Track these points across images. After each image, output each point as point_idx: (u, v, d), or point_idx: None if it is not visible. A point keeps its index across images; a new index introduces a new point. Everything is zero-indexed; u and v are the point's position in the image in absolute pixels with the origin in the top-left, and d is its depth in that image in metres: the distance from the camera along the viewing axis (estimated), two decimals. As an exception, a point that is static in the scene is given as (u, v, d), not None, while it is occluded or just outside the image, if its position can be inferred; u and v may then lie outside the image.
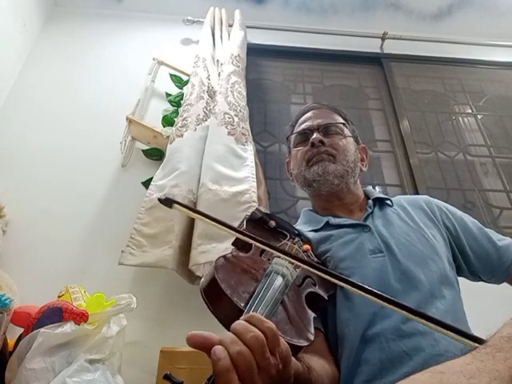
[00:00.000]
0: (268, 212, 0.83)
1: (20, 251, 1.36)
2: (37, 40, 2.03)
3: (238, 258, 0.63)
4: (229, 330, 0.43)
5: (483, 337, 0.39)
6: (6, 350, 0.97)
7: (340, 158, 0.90)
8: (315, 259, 0.78)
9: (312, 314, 0.61)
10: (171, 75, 1.92)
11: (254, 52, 2.12)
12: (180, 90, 1.86)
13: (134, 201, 1.40)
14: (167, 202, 0.60)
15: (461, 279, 0.83)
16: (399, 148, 1.93)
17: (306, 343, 0.53)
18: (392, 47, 2.31)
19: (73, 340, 0.93)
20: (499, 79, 2.32)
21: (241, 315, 0.47)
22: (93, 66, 1.97)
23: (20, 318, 1.08)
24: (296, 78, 2.22)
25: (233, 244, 0.71)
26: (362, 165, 0.99)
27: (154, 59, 1.94)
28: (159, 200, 0.61)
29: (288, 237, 0.79)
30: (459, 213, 0.92)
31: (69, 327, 0.92)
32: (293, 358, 0.47)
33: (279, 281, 0.57)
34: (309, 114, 0.99)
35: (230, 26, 2.05)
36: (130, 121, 1.62)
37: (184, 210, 0.62)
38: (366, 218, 0.86)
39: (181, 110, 1.61)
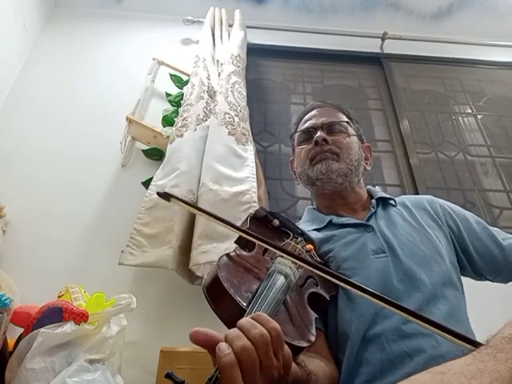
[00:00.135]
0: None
1: (20, 251, 1.36)
2: (37, 40, 2.03)
3: (241, 257, 0.62)
4: (230, 329, 0.42)
5: (484, 337, 0.39)
6: (6, 349, 0.97)
7: (344, 157, 0.90)
8: (318, 259, 0.78)
9: (314, 315, 0.61)
10: (171, 75, 1.92)
11: (254, 52, 2.12)
12: (180, 90, 1.86)
13: (134, 201, 1.40)
14: (165, 196, 0.61)
15: (463, 279, 0.83)
16: (399, 148, 1.93)
17: (307, 344, 0.53)
18: (392, 47, 2.31)
19: (73, 340, 0.93)
20: (499, 79, 2.32)
21: (243, 314, 0.47)
22: (93, 66, 1.97)
23: (20, 317, 1.07)
24: (296, 77, 2.22)
25: (236, 242, 0.71)
26: (366, 164, 0.98)
27: (154, 59, 1.94)
28: (158, 194, 0.61)
29: (291, 236, 0.78)
30: (463, 212, 0.91)
31: (69, 327, 0.92)
32: (292, 364, 0.47)
33: (282, 281, 0.57)
34: (313, 113, 0.99)
35: (230, 26, 2.05)
36: (130, 121, 1.62)
37: (181, 204, 0.62)
38: (369, 218, 0.86)
39: (181, 109, 1.61)
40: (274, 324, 0.43)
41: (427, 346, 0.63)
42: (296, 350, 0.50)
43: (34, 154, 1.62)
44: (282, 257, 0.62)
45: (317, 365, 0.63)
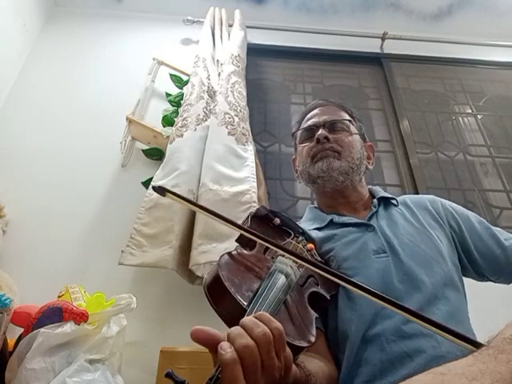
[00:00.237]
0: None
1: (20, 251, 1.36)
2: (37, 40, 2.03)
3: (242, 256, 0.62)
4: (230, 328, 0.42)
5: (485, 338, 0.39)
6: (6, 349, 0.97)
7: (345, 155, 0.90)
8: (319, 258, 0.78)
9: (314, 314, 0.61)
10: (171, 75, 1.92)
11: (254, 52, 2.12)
12: (180, 90, 1.86)
13: (134, 201, 1.40)
14: (160, 190, 0.61)
15: (464, 280, 0.82)
16: (399, 148, 1.93)
17: (307, 344, 0.53)
18: (392, 47, 2.31)
19: (73, 340, 0.93)
20: (499, 79, 2.32)
21: (244, 314, 0.47)
22: (93, 66, 1.97)
23: (20, 317, 1.07)
24: (296, 77, 2.22)
25: (237, 241, 0.71)
26: (369, 163, 0.98)
27: (154, 59, 1.94)
28: (153, 188, 0.62)
29: (292, 235, 0.78)
30: (465, 212, 0.91)
31: (69, 327, 0.92)
32: (292, 365, 0.47)
33: (282, 280, 0.56)
34: (315, 111, 0.99)
35: (230, 26, 2.05)
36: (130, 121, 1.62)
37: (177, 199, 0.62)
38: (370, 218, 0.86)
39: (181, 109, 1.61)
40: (277, 324, 0.43)
41: (427, 347, 0.63)
42: (296, 350, 0.50)
43: (34, 154, 1.62)
44: (283, 256, 0.62)
45: (316, 365, 0.63)
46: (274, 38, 2.22)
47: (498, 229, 0.88)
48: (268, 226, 0.78)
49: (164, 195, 0.61)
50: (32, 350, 0.89)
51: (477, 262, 0.84)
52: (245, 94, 1.68)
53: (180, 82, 1.90)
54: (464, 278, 0.82)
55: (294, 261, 0.61)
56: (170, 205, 1.26)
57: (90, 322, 0.96)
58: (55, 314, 0.95)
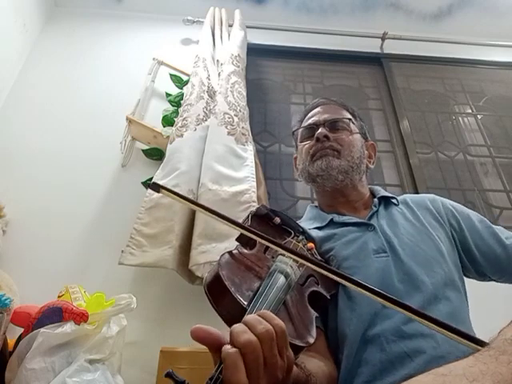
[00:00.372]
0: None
1: (20, 251, 1.36)
2: (37, 40, 2.03)
3: (242, 255, 0.62)
4: (230, 327, 0.42)
5: (486, 338, 0.39)
6: (6, 349, 0.97)
7: (345, 154, 0.90)
8: (319, 258, 0.78)
9: (314, 314, 0.61)
10: (171, 75, 1.92)
11: (254, 52, 2.12)
12: (180, 90, 1.86)
13: (134, 201, 1.40)
14: (155, 187, 0.61)
15: (465, 279, 0.82)
16: (399, 148, 1.93)
17: (307, 344, 0.53)
18: (392, 47, 2.31)
19: (73, 340, 0.93)
20: (499, 79, 2.32)
21: (244, 313, 0.47)
22: (93, 66, 1.97)
23: (20, 317, 1.07)
24: (296, 77, 2.22)
25: (237, 240, 0.71)
26: (369, 162, 0.98)
27: (154, 59, 1.94)
28: (148, 185, 0.62)
29: (293, 234, 0.78)
30: (466, 211, 0.91)
31: (69, 327, 0.92)
32: (294, 367, 0.47)
33: (283, 279, 0.56)
34: (317, 110, 0.99)
35: (230, 26, 2.05)
36: (130, 121, 1.62)
37: (172, 195, 0.62)
38: (370, 217, 0.86)
39: (181, 109, 1.61)
40: (279, 321, 0.43)
41: (427, 347, 0.63)
42: (296, 350, 0.49)
43: (34, 154, 1.62)
44: (284, 255, 0.62)
45: (316, 364, 0.63)
46: (274, 37, 2.22)
47: (499, 227, 0.88)
48: (268, 225, 0.78)
49: (158, 191, 0.62)
50: (32, 349, 0.89)
51: (477, 261, 0.83)
52: (245, 93, 1.68)
53: (180, 82, 1.90)
54: (465, 278, 0.82)
55: (294, 260, 0.61)
56: (170, 205, 1.26)
57: (90, 321, 0.96)
58: (55, 314, 0.95)
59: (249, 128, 1.57)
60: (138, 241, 1.23)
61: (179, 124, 1.51)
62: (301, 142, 0.98)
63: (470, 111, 2.18)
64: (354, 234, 0.81)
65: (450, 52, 2.32)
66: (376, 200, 0.91)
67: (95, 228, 1.46)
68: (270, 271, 0.58)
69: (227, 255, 0.60)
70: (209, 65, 1.77)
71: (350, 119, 0.96)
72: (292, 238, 0.76)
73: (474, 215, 0.89)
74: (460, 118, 2.14)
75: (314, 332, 0.56)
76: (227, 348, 0.39)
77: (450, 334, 0.43)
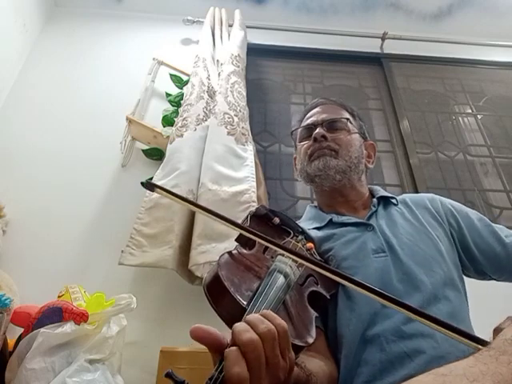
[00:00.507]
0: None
1: (20, 251, 1.36)
2: (37, 40, 2.03)
3: (241, 255, 0.62)
4: (230, 328, 0.42)
5: (486, 338, 0.39)
6: (6, 349, 0.97)
7: (342, 154, 0.90)
8: (318, 258, 0.78)
9: (314, 314, 0.61)
10: (171, 75, 1.92)
11: (254, 52, 2.12)
12: (180, 90, 1.86)
13: (134, 201, 1.40)
14: (149, 185, 0.61)
15: (465, 278, 0.82)
16: (399, 148, 1.93)
17: (306, 344, 0.53)
18: (392, 47, 2.31)
19: (73, 340, 0.93)
20: (499, 79, 2.32)
21: (243, 313, 0.47)
22: (93, 66, 1.97)
23: (20, 317, 1.07)
24: (296, 77, 2.22)
25: (236, 240, 0.71)
26: (368, 161, 0.98)
27: (154, 59, 1.94)
28: (141, 184, 0.61)
29: (292, 234, 0.78)
30: (465, 209, 0.91)
31: (69, 327, 0.92)
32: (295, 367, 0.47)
33: (282, 280, 0.56)
34: (315, 110, 0.99)
35: (230, 26, 2.05)
36: (130, 121, 1.62)
37: (167, 194, 0.62)
38: (369, 217, 0.86)
39: (181, 109, 1.61)
40: (282, 321, 0.43)
41: (427, 347, 0.63)
42: (296, 350, 0.49)
43: (34, 154, 1.62)
44: (283, 255, 0.62)
45: (316, 364, 0.63)
46: (274, 37, 2.22)
47: (499, 226, 0.88)
48: (267, 226, 0.78)
49: (153, 190, 0.62)
50: (32, 349, 0.89)
51: (477, 259, 0.83)
52: (244, 93, 1.68)
53: (180, 82, 1.90)
54: (465, 278, 0.82)
55: (293, 260, 0.61)
56: (170, 205, 1.26)
57: (90, 321, 0.96)
58: (55, 314, 0.95)
59: (249, 128, 1.57)
60: (138, 241, 1.23)
61: (179, 124, 1.52)
62: (299, 142, 0.99)
63: (470, 111, 2.18)
64: (353, 234, 0.81)
65: (450, 52, 2.32)
66: (375, 200, 0.91)
67: (95, 228, 1.46)
68: (270, 271, 0.58)
69: (226, 255, 0.60)
70: (209, 65, 1.77)
71: (348, 119, 0.96)
72: (291, 238, 0.76)
73: (473, 214, 0.89)
74: (460, 118, 2.14)
75: (313, 332, 0.56)
76: (229, 348, 0.39)
77: (450, 332, 0.43)
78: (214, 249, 1.17)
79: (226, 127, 1.48)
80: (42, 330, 0.91)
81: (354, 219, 0.86)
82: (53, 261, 1.35)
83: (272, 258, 0.64)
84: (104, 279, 1.30)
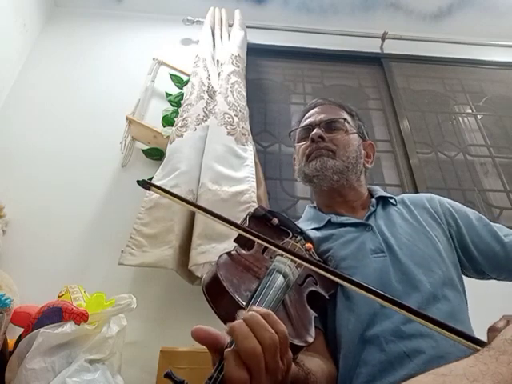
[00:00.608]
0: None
1: (20, 251, 1.36)
2: (37, 40, 2.03)
3: (240, 256, 0.62)
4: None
5: (486, 337, 0.39)
6: (6, 349, 0.97)
7: (340, 154, 0.90)
8: (317, 258, 0.78)
9: (313, 314, 0.61)
10: (171, 75, 1.92)
11: (254, 52, 2.12)
12: (180, 90, 1.86)
13: (134, 201, 1.40)
14: (144, 184, 0.61)
15: (464, 277, 0.82)
16: (399, 148, 1.93)
17: (306, 344, 0.53)
18: (392, 47, 2.31)
19: (73, 340, 0.93)
20: (499, 79, 2.32)
21: None
22: (93, 66, 1.97)
23: (20, 317, 1.07)
24: (296, 77, 2.22)
25: (235, 241, 0.71)
26: (367, 161, 0.98)
27: (154, 59, 1.94)
28: (137, 182, 0.61)
29: (291, 235, 0.78)
30: (464, 209, 0.91)
31: (69, 327, 0.92)
32: (292, 365, 0.47)
33: (281, 280, 0.56)
34: (314, 110, 0.99)
35: (230, 26, 2.05)
36: (130, 121, 1.62)
37: (163, 193, 0.62)
38: (368, 217, 0.86)
39: (181, 109, 1.61)
40: (282, 327, 0.43)
41: (426, 347, 0.63)
42: (295, 349, 0.50)
43: (34, 154, 1.62)
44: (282, 255, 0.62)
45: (315, 364, 0.63)
46: (274, 37, 2.22)
47: (498, 225, 0.87)
48: (266, 226, 0.78)
49: (148, 189, 0.62)
50: (32, 349, 0.89)
51: (475, 258, 0.83)
52: (244, 93, 1.68)
53: (180, 82, 1.90)
54: (464, 277, 0.82)
55: (292, 260, 0.61)
56: (170, 205, 1.26)
57: (90, 321, 0.96)
58: (55, 314, 0.95)
59: (249, 128, 1.57)
60: (138, 241, 1.23)
61: (179, 124, 1.52)
62: (298, 142, 0.99)
63: (470, 111, 2.18)
64: (352, 235, 0.82)
65: (450, 52, 2.32)
66: (374, 200, 0.91)
67: (95, 228, 1.46)
68: (268, 271, 0.58)
69: (225, 256, 0.60)
70: (209, 65, 1.77)
71: (345, 119, 0.96)
72: (290, 239, 0.76)
73: (471, 213, 0.89)
74: (460, 118, 2.14)
75: (312, 332, 0.57)
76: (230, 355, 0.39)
77: (448, 333, 0.43)
78: (213, 249, 1.17)
79: (226, 127, 1.48)
80: (41, 330, 0.91)
81: (352, 219, 0.86)
82: (53, 261, 1.35)
83: (271, 258, 0.64)
84: (104, 279, 1.31)
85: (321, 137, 0.90)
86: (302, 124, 0.99)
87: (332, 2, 2.30)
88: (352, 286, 0.51)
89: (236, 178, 1.36)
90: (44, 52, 2.00)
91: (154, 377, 1.02)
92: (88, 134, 1.70)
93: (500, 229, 0.86)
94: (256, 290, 0.53)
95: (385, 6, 2.33)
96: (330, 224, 0.87)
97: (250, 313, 0.42)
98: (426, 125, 2.05)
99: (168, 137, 1.53)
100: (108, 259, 1.30)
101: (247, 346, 0.39)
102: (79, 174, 1.58)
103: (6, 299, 0.93)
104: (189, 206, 0.63)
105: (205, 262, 1.17)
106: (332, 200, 0.92)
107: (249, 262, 0.62)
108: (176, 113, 1.71)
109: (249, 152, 1.47)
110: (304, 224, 0.91)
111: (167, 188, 1.30)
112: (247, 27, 2.08)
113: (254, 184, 1.36)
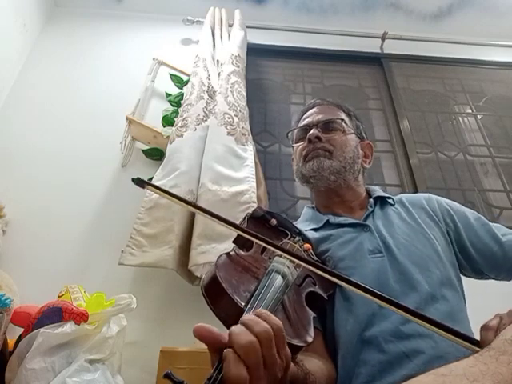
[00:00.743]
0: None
1: (20, 251, 1.36)
2: (37, 40, 2.03)
3: (239, 256, 0.62)
4: (228, 329, 0.42)
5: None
6: (6, 349, 0.97)
7: (337, 154, 0.90)
8: (316, 258, 0.78)
9: (312, 314, 0.61)
10: (171, 75, 1.92)
11: (254, 52, 2.12)
12: (180, 90, 1.86)
13: (134, 201, 1.40)
14: (139, 182, 0.61)
15: (463, 277, 0.82)
16: (399, 148, 1.93)
17: (305, 344, 0.53)
18: (392, 47, 2.31)
19: (73, 340, 0.93)
20: (499, 79, 2.32)
21: (241, 314, 0.47)
22: (93, 66, 1.97)
23: (20, 317, 1.08)
24: (296, 77, 2.22)
25: (234, 242, 0.71)
26: (365, 161, 0.98)
27: (154, 59, 1.94)
28: (132, 180, 0.61)
29: (289, 235, 0.78)
30: (462, 209, 0.90)
31: (69, 327, 0.93)
32: (291, 365, 0.47)
33: (280, 280, 0.56)
34: (312, 110, 0.99)
35: (230, 26, 2.05)
36: (130, 121, 1.63)
37: (159, 192, 0.62)
38: (366, 218, 0.86)
39: (181, 110, 1.61)
40: (276, 319, 0.43)
41: (426, 347, 0.63)
42: (294, 349, 0.50)
43: (34, 154, 1.63)
44: (280, 256, 0.62)
45: (315, 364, 0.63)
46: (274, 37, 2.22)
47: (496, 225, 0.87)
48: (265, 227, 0.78)
49: (144, 187, 0.62)
50: (32, 349, 0.89)
51: (473, 258, 0.83)
52: (244, 93, 1.68)
53: (180, 82, 1.90)
54: (462, 277, 0.82)
55: (291, 261, 0.61)
56: (170, 205, 1.26)
57: (90, 321, 0.96)
58: (55, 314, 0.95)
59: (249, 128, 1.57)
60: (138, 241, 1.23)
61: (179, 124, 1.52)
62: (295, 142, 0.99)
63: (470, 111, 2.18)
64: (350, 235, 0.82)
65: (450, 52, 2.32)
66: (372, 200, 0.91)
67: (95, 228, 1.46)
68: (267, 271, 0.58)
69: (224, 256, 0.60)
70: (209, 65, 1.77)
71: (343, 119, 0.96)
72: (288, 239, 0.77)
73: (470, 213, 0.89)
74: (460, 118, 2.14)
75: (311, 332, 0.57)
76: (227, 350, 0.39)
77: (445, 333, 0.43)
78: (213, 249, 1.18)
79: (226, 127, 1.48)
80: (41, 330, 0.91)
81: (350, 220, 0.86)
82: (53, 261, 1.35)
83: (270, 259, 0.64)
84: (104, 279, 1.31)
85: (318, 137, 0.90)
86: (300, 124, 0.99)
87: (332, 2, 2.30)
88: (350, 287, 0.51)
89: (236, 178, 1.36)
90: (44, 52, 2.00)
91: (153, 377, 1.02)
92: (88, 134, 1.70)
93: (498, 228, 0.86)
94: (255, 290, 0.53)
95: (385, 6, 2.33)
96: (328, 224, 0.87)
97: (244, 315, 0.44)
98: (425, 125, 2.05)
99: (168, 137, 1.53)
100: (108, 259, 1.30)
101: (243, 341, 0.39)
102: (79, 174, 1.59)
103: (5, 299, 0.94)
104: (185, 205, 0.63)
105: (205, 262, 1.17)
106: (330, 200, 0.92)
107: (248, 262, 0.62)
108: (176, 113, 1.71)
109: (249, 152, 1.47)
110: (302, 225, 0.91)
111: (167, 188, 1.30)
112: (247, 27, 2.08)
113: (254, 184, 1.36)
